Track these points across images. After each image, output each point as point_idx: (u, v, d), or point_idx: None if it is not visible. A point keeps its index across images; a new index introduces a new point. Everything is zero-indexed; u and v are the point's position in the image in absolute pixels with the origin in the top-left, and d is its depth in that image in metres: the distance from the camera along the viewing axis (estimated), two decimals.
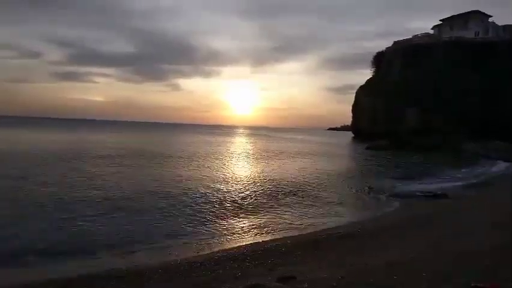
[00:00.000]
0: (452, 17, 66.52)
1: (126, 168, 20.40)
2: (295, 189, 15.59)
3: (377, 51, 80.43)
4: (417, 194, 15.33)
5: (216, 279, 5.73)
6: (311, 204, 12.87)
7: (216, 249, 7.98)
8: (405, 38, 70.64)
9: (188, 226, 9.81)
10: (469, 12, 63.97)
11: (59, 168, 18.87)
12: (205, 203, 12.55)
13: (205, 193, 14.20)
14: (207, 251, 7.85)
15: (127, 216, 10.52)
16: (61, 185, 14.39)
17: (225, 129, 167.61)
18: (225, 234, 9.31)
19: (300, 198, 13.82)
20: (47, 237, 8.33)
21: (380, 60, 76.74)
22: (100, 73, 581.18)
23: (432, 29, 70.57)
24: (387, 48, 75.75)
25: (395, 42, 72.59)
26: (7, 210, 10.52)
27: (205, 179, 17.89)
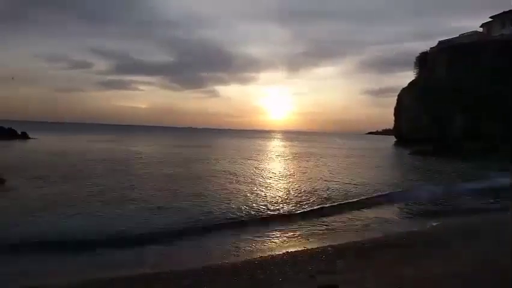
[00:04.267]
0: (504, 13, 62.21)
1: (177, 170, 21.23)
2: (340, 195, 15.24)
3: (419, 52, 77.21)
4: (475, 204, 14.38)
5: (257, 284, 5.77)
6: (355, 211, 12.50)
7: (255, 254, 8.02)
8: (450, 37, 67.24)
9: (228, 228, 9.95)
10: None
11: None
12: (246, 206, 12.70)
13: (249, 197, 14.46)
14: (247, 255, 7.91)
15: (166, 215, 11.00)
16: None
17: (265, 134, 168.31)
18: (264, 238, 9.33)
19: (344, 205, 13.46)
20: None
21: (423, 61, 73.53)
22: (143, 81, 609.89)
23: (481, 26, 66.54)
24: (431, 48, 72.48)
25: (439, 42, 69.26)
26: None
27: (251, 182, 18.13)
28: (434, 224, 10.98)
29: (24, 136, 51.75)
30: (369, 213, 12.38)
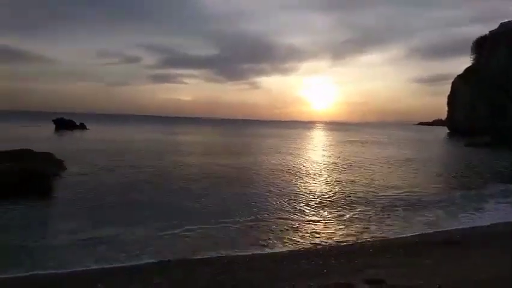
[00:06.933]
0: None
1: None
2: (391, 191, 14.63)
3: (477, 36, 71.46)
4: None
5: (303, 273, 5.80)
6: (405, 207, 11.90)
7: (299, 244, 8.05)
8: None
9: (272, 219, 10.04)
10: None
11: None
12: (293, 198, 12.77)
13: (297, 188, 14.64)
14: (291, 246, 7.95)
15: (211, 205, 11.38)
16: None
17: (309, 126, 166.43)
18: (308, 230, 9.28)
19: (395, 200, 12.88)
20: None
21: (482, 45, 67.96)
22: (188, 74, 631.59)
23: None
24: (491, 31, 66.74)
25: (501, 25, 63.52)
26: None
27: (298, 174, 18.17)
28: (489, 224, 10.23)
29: (82, 127, 55.81)
30: (415, 212, 11.80)
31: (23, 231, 8.31)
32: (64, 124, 54.62)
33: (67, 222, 9.23)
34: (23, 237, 7.89)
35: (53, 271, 6.28)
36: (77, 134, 46.39)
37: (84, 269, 6.40)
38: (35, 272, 6.22)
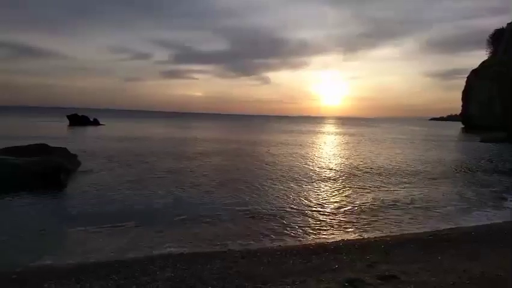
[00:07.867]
0: None
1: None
2: (405, 186, 14.46)
3: (494, 29, 69.67)
4: None
5: (313, 268, 5.80)
6: (417, 204, 11.72)
7: (308, 240, 8.04)
8: None
9: (284, 214, 10.05)
10: None
11: None
12: (305, 194, 12.75)
13: (309, 184, 14.59)
14: (302, 241, 7.95)
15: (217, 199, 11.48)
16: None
17: (320, 121, 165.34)
18: (320, 225, 9.26)
19: (408, 196, 12.68)
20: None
21: (498, 39, 66.27)
22: (199, 70, 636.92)
23: None
24: (508, 24, 64.87)
25: None
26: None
27: (311, 169, 18.14)
28: (505, 221, 10.02)
29: (96, 122, 56.64)
30: (429, 208, 11.62)
31: (42, 223, 8.57)
32: (78, 120, 55.56)
33: (83, 214, 9.45)
34: (41, 229, 8.14)
35: (70, 262, 6.42)
36: (90, 129, 47.13)
37: (98, 260, 6.53)
38: (52, 262, 6.40)
